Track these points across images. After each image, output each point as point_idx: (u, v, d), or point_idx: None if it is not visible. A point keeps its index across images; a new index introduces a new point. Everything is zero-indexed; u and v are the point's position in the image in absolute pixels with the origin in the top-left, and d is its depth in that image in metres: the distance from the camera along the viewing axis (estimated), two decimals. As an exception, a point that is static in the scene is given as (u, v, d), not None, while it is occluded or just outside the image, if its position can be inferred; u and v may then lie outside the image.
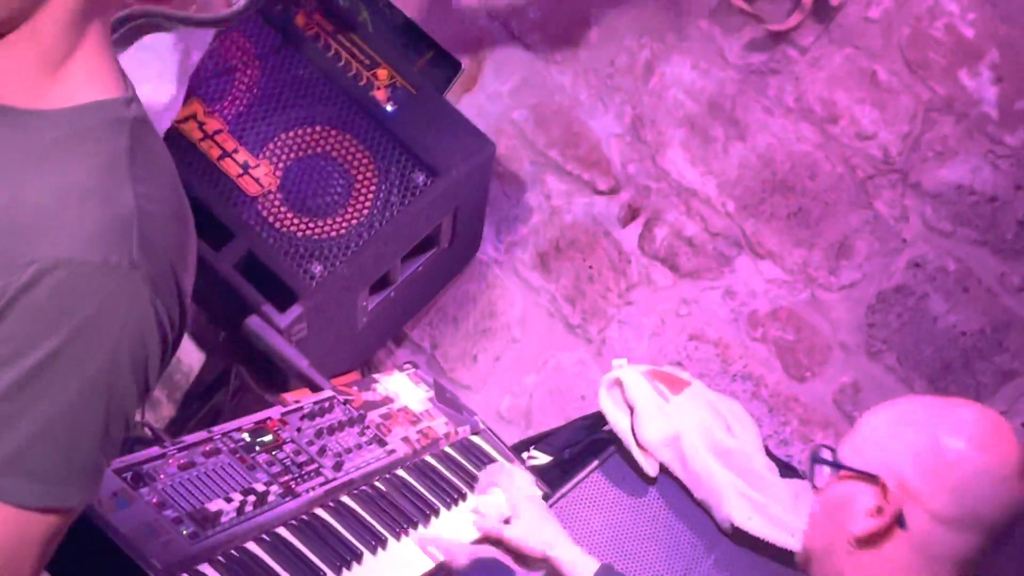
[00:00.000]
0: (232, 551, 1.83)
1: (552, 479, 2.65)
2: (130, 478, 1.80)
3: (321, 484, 2.09)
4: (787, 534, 2.62)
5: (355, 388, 2.44)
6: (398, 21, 3.12)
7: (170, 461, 1.89)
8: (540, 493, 2.42)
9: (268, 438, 2.10)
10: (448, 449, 2.45)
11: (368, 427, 2.33)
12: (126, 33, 2.07)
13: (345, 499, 2.12)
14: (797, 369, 3.23)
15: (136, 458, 1.85)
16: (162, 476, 1.85)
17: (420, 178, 2.87)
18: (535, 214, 3.41)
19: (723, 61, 3.22)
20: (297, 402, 2.29)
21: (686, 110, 3.26)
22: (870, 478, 1.70)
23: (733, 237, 3.26)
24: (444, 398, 2.60)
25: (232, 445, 2.03)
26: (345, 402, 2.36)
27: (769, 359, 3.25)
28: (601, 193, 3.37)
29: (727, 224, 3.26)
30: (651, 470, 2.73)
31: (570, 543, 2.14)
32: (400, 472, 2.29)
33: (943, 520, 1.64)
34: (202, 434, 2.02)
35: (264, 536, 1.91)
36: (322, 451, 2.16)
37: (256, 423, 2.14)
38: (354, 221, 2.83)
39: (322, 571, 1.90)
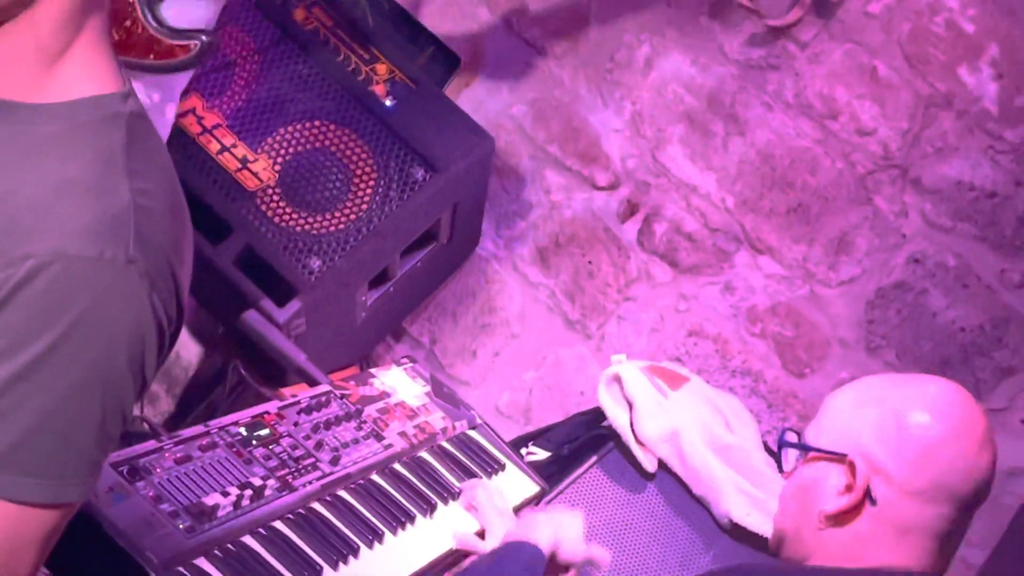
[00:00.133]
0: (229, 545, 1.83)
1: (551, 475, 2.65)
2: (126, 472, 1.80)
3: (318, 478, 2.09)
4: (785, 530, 2.61)
5: (352, 383, 2.44)
6: (397, 16, 3.11)
7: (166, 455, 1.89)
8: (527, 493, 2.43)
9: (265, 432, 2.10)
10: (445, 444, 2.45)
11: (365, 422, 2.32)
12: None
13: (342, 493, 2.11)
14: (796, 365, 3.23)
15: (132, 452, 1.85)
16: (158, 470, 1.85)
17: (419, 173, 2.87)
18: (534, 209, 3.41)
19: (723, 56, 3.21)
20: (294, 396, 2.29)
21: (685, 106, 3.26)
22: (838, 457, 1.70)
23: (732, 233, 3.25)
24: (441, 393, 2.59)
25: (229, 439, 2.02)
26: (342, 397, 2.36)
27: (768, 355, 3.25)
28: (600, 188, 3.36)
29: (726, 220, 3.25)
30: (650, 466, 2.73)
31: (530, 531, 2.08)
32: (397, 467, 2.29)
33: (911, 493, 1.65)
34: (199, 428, 2.01)
35: (261, 530, 1.91)
36: (319, 445, 2.16)
37: (253, 417, 2.13)
38: (353, 216, 2.82)
39: (319, 565, 1.90)
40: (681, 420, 2.73)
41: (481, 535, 2.19)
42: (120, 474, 1.79)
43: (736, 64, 3.20)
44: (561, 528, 2.05)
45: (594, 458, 2.72)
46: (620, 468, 2.73)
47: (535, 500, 2.48)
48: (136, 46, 2.24)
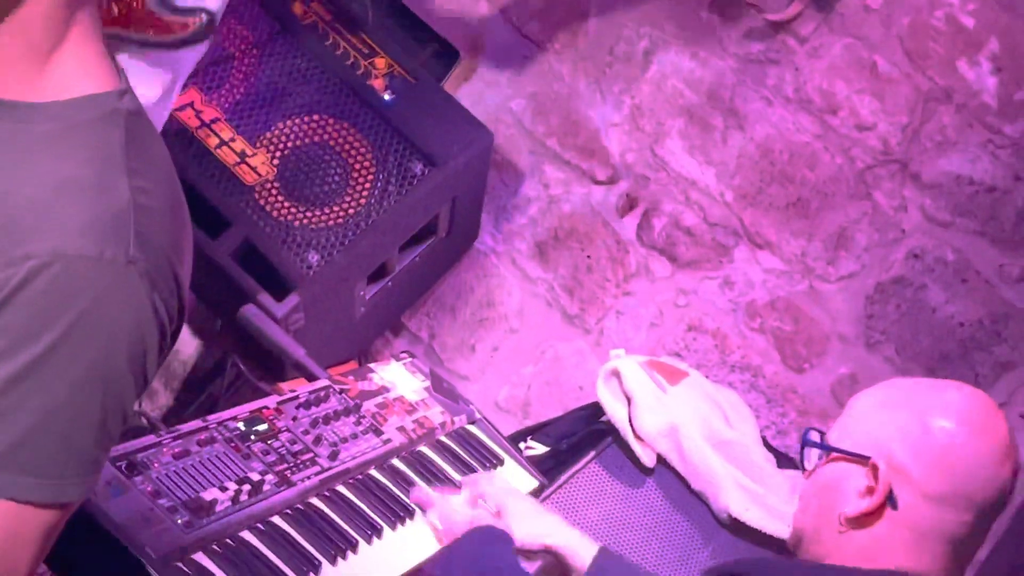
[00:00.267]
0: (227, 540, 1.83)
1: (549, 470, 2.64)
2: (124, 467, 1.80)
3: (316, 473, 2.08)
4: (785, 525, 2.61)
5: (351, 377, 2.44)
6: (396, 10, 3.11)
7: (164, 450, 1.89)
8: (526, 488, 2.42)
9: (263, 427, 2.10)
10: (444, 439, 2.45)
11: (364, 416, 2.32)
12: None
13: (341, 488, 2.11)
14: (795, 360, 3.23)
15: (130, 447, 1.84)
16: (156, 465, 1.85)
17: (418, 167, 2.87)
18: (533, 204, 3.41)
19: (722, 51, 3.21)
20: (293, 391, 2.28)
21: (685, 100, 3.25)
22: (860, 459, 1.72)
23: (731, 227, 3.25)
24: (440, 388, 2.59)
25: (227, 434, 2.02)
26: (341, 392, 2.36)
27: (767, 350, 3.25)
28: (599, 183, 3.36)
29: (725, 214, 3.25)
30: (648, 461, 2.72)
31: (566, 528, 2.12)
32: (396, 462, 2.28)
33: (933, 498, 1.66)
34: (197, 423, 2.01)
35: (259, 525, 1.90)
36: (318, 440, 2.16)
37: (251, 412, 2.13)
38: (351, 210, 2.82)
39: (318, 560, 1.90)
40: (680, 415, 2.73)
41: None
42: (118, 469, 1.78)
43: (735, 58, 3.20)
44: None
45: (593, 453, 2.72)
46: (619, 463, 2.73)
47: (534, 495, 2.48)
48: (136, 21, 2.24)
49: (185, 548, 1.75)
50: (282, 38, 2.92)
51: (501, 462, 2.50)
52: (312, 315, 2.78)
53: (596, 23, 3.33)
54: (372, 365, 2.56)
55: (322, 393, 2.31)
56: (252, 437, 2.06)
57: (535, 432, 2.91)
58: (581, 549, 2.06)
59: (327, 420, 2.23)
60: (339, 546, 1.95)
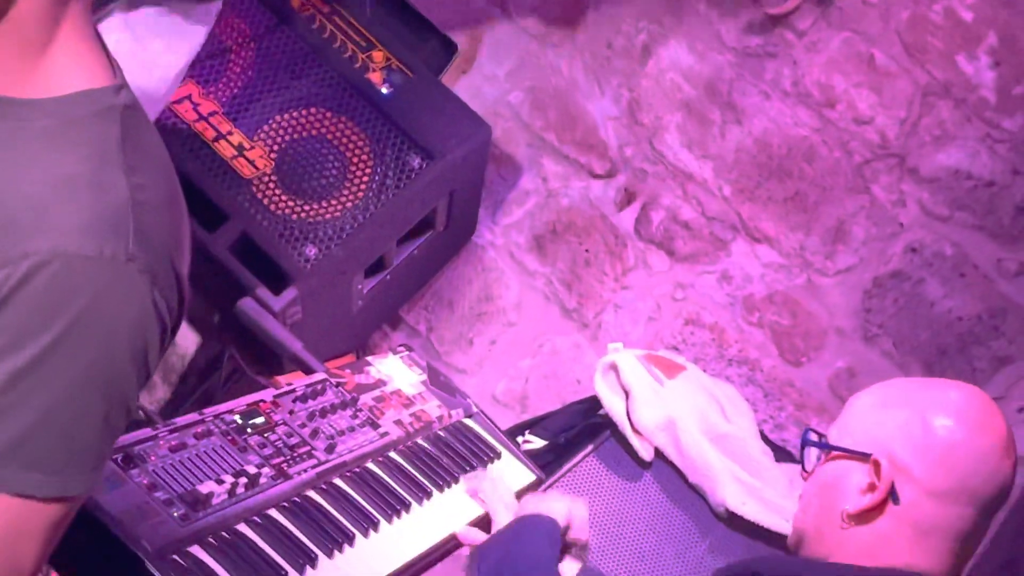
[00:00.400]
0: (223, 533, 1.82)
1: (547, 463, 2.64)
2: (120, 460, 1.80)
3: (313, 466, 2.08)
4: (782, 519, 2.61)
5: (348, 371, 2.44)
6: (394, 3, 3.10)
7: (161, 443, 1.89)
8: (523, 481, 2.42)
9: (260, 420, 2.10)
10: (441, 432, 2.45)
11: (361, 410, 2.32)
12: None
13: (337, 481, 2.11)
14: (793, 354, 3.23)
15: (127, 440, 1.84)
16: (153, 458, 1.85)
17: (416, 161, 2.87)
18: (531, 197, 3.41)
19: (720, 44, 3.21)
20: (290, 384, 2.28)
21: (683, 93, 3.25)
22: (862, 456, 1.72)
23: (729, 221, 3.25)
24: (437, 381, 2.59)
25: (224, 427, 2.02)
26: (338, 385, 2.36)
27: (765, 344, 3.25)
28: (598, 176, 3.36)
29: (723, 208, 3.25)
30: (646, 454, 2.72)
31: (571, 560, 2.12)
32: (393, 455, 2.28)
33: (935, 494, 1.67)
34: (193, 416, 2.01)
35: (256, 518, 1.90)
36: (314, 433, 2.16)
37: (248, 405, 2.13)
38: (349, 204, 2.82)
39: (314, 553, 1.90)
40: (677, 409, 2.73)
41: (483, 526, 2.19)
42: (114, 462, 1.78)
43: (734, 52, 3.19)
44: (574, 506, 2.08)
45: (590, 446, 2.72)
46: (616, 457, 2.73)
47: (531, 489, 2.48)
48: None
49: (181, 541, 1.75)
50: (280, 31, 2.92)
51: (498, 456, 2.50)
52: (310, 308, 2.78)
53: (594, 17, 3.32)
54: (369, 358, 2.56)
55: (319, 386, 2.31)
56: (249, 430, 2.05)
57: (533, 426, 2.91)
58: (562, 567, 2.05)
59: (324, 413, 2.23)
60: (336, 539, 1.95)
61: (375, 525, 2.05)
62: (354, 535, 1.99)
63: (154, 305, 1.27)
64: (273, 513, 1.94)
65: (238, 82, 2.88)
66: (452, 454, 2.40)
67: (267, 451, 2.04)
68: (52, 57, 1.28)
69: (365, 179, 2.84)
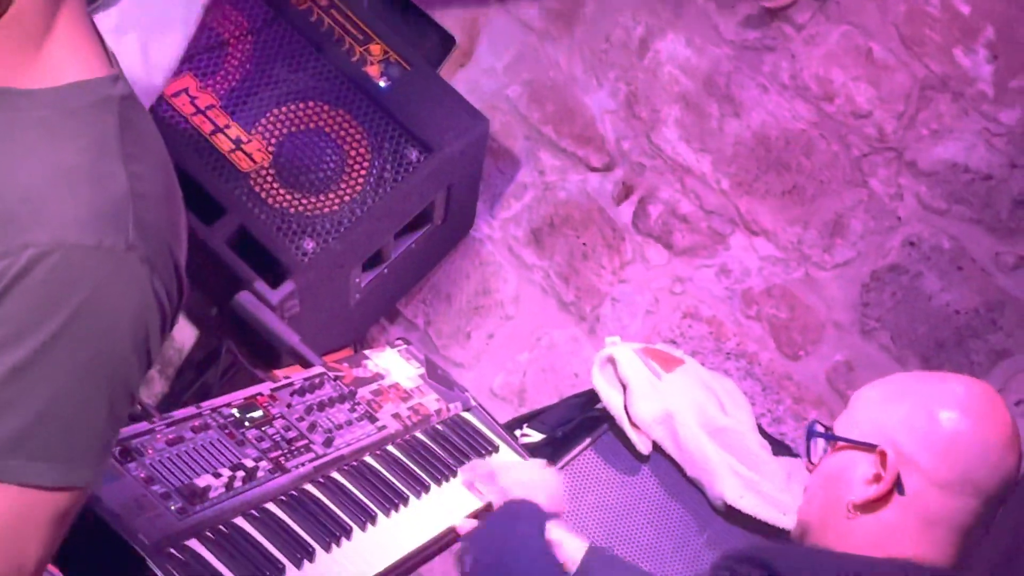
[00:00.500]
0: (221, 527, 1.83)
1: (544, 457, 2.64)
2: (118, 453, 1.80)
3: (311, 460, 2.08)
4: (779, 512, 2.62)
5: (346, 364, 2.44)
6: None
7: (158, 436, 1.89)
8: (523, 463, 2.43)
9: (258, 414, 2.10)
10: (439, 426, 2.45)
11: (359, 403, 2.32)
12: None
13: (335, 475, 2.11)
14: (791, 347, 3.23)
15: (124, 433, 1.84)
16: (150, 451, 1.85)
17: (413, 154, 2.87)
18: (529, 191, 3.40)
19: (718, 37, 3.20)
20: (287, 378, 2.28)
21: (681, 87, 3.25)
22: (867, 447, 1.73)
23: (727, 215, 3.25)
24: (435, 375, 2.59)
25: (221, 420, 2.02)
26: (336, 378, 2.36)
27: (763, 337, 3.25)
28: (595, 170, 3.36)
29: (721, 202, 3.25)
30: (644, 448, 2.73)
31: (558, 524, 2.14)
32: (390, 448, 2.28)
33: (939, 485, 1.68)
34: (191, 409, 2.01)
35: (253, 512, 1.90)
36: (312, 427, 2.16)
37: (246, 399, 2.13)
38: (347, 197, 2.82)
39: (312, 547, 1.90)
40: (675, 402, 2.73)
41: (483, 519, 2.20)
42: (111, 455, 1.78)
43: (732, 45, 3.19)
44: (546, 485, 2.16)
45: (588, 440, 2.72)
46: (614, 450, 2.73)
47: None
48: None
49: (179, 535, 1.75)
50: (277, 24, 2.91)
51: (496, 449, 2.50)
52: (307, 302, 2.78)
53: (592, 10, 3.32)
54: (367, 352, 2.56)
55: (317, 380, 2.31)
56: (246, 424, 2.06)
57: (531, 419, 2.91)
58: (568, 544, 2.08)
59: (322, 407, 2.23)
60: (333, 532, 1.95)
61: (373, 519, 2.05)
62: (352, 529, 1.99)
63: (155, 294, 1.28)
64: (271, 507, 1.94)
65: (235, 75, 2.88)
66: (450, 448, 2.40)
67: (265, 445, 2.04)
68: (49, 48, 1.28)
69: (363, 172, 2.84)
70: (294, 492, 2.00)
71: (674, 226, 3.29)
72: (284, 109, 2.86)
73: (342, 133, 2.85)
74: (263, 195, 2.79)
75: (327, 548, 1.92)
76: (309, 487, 2.04)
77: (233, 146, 2.81)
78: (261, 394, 2.17)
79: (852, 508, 1.72)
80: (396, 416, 2.36)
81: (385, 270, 3.06)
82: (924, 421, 1.70)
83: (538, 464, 2.39)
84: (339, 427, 2.21)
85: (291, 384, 2.25)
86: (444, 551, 2.17)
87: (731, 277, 3.26)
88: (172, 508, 1.77)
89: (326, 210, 2.80)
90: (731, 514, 2.67)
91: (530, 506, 2.04)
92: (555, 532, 2.10)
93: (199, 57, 2.86)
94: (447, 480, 2.29)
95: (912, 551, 1.69)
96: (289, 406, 2.18)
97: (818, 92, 3.13)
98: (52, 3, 1.27)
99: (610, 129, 3.33)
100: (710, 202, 3.26)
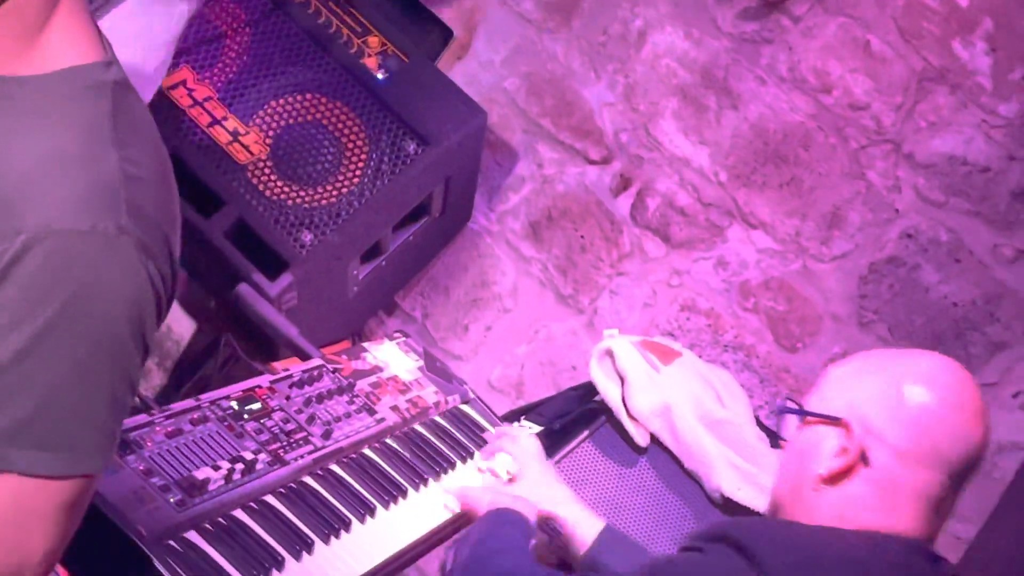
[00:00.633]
0: (220, 519, 1.83)
1: (543, 449, 2.64)
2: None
3: (310, 452, 2.08)
4: (777, 504, 2.62)
5: (344, 357, 2.44)
6: (390, -12, 3.10)
7: (157, 429, 1.89)
8: (544, 455, 2.43)
9: (256, 406, 2.10)
10: (438, 418, 2.45)
11: (357, 396, 2.32)
12: None
13: (334, 467, 2.11)
14: (789, 339, 3.23)
15: (123, 425, 1.84)
16: (149, 444, 1.85)
17: (411, 147, 2.86)
18: (527, 183, 3.40)
19: (716, 30, 3.20)
20: (286, 370, 2.28)
21: (679, 79, 3.25)
22: (834, 421, 1.75)
23: (725, 207, 3.25)
24: (434, 367, 2.59)
25: (220, 413, 2.02)
26: (334, 371, 2.36)
27: (761, 329, 3.25)
28: (593, 163, 3.35)
29: (719, 194, 3.25)
30: (641, 440, 2.72)
31: (576, 503, 2.20)
32: (389, 441, 2.28)
33: (905, 456, 1.69)
34: (190, 402, 2.01)
35: (252, 504, 1.91)
36: (311, 419, 2.16)
37: (244, 391, 2.13)
38: (345, 190, 2.81)
39: (310, 539, 1.90)
40: (673, 395, 2.73)
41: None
42: (112, 446, 1.78)
43: (730, 37, 3.19)
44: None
45: (586, 432, 2.72)
46: (612, 442, 2.73)
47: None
48: None
49: (178, 527, 1.75)
50: (274, 16, 2.91)
51: (494, 442, 2.50)
52: (305, 294, 2.78)
53: (590, 3, 3.32)
54: (365, 344, 2.56)
55: (315, 372, 2.31)
56: (245, 416, 2.06)
57: (528, 412, 2.91)
58: (585, 524, 2.13)
59: (320, 399, 2.23)
60: (332, 525, 1.96)
61: (371, 511, 2.06)
62: (350, 521, 2.00)
63: (149, 279, 1.27)
64: (269, 499, 1.94)
65: (233, 67, 2.87)
66: (449, 440, 2.40)
67: (263, 437, 2.04)
68: (47, 35, 1.28)
69: (361, 165, 2.84)
70: (293, 484, 2.01)
71: (672, 218, 3.29)
72: (282, 101, 2.85)
73: (340, 125, 2.85)
74: (261, 187, 2.79)
75: (326, 540, 1.92)
76: (308, 479, 2.04)
77: (231, 138, 2.80)
78: (260, 386, 2.17)
79: (819, 481, 1.74)
80: (394, 408, 2.36)
81: (383, 262, 3.06)
82: (891, 395, 1.72)
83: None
84: (338, 419, 2.21)
85: (290, 376, 2.26)
86: (442, 544, 2.18)
87: (729, 269, 3.27)
88: (171, 500, 1.78)
89: (324, 202, 2.80)
90: (729, 506, 2.67)
91: (515, 514, 2.05)
92: (573, 512, 2.12)
93: (197, 49, 2.86)
94: (446, 473, 2.29)
95: (879, 523, 1.70)
96: (288, 398, 2.18)
97: (816, 84, 3.13)
98: None
99: (608, 122, 3.33)
100: (708, 194, 3.26)
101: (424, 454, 2.30)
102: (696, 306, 3.30)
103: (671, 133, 3.27)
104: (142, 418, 1.89)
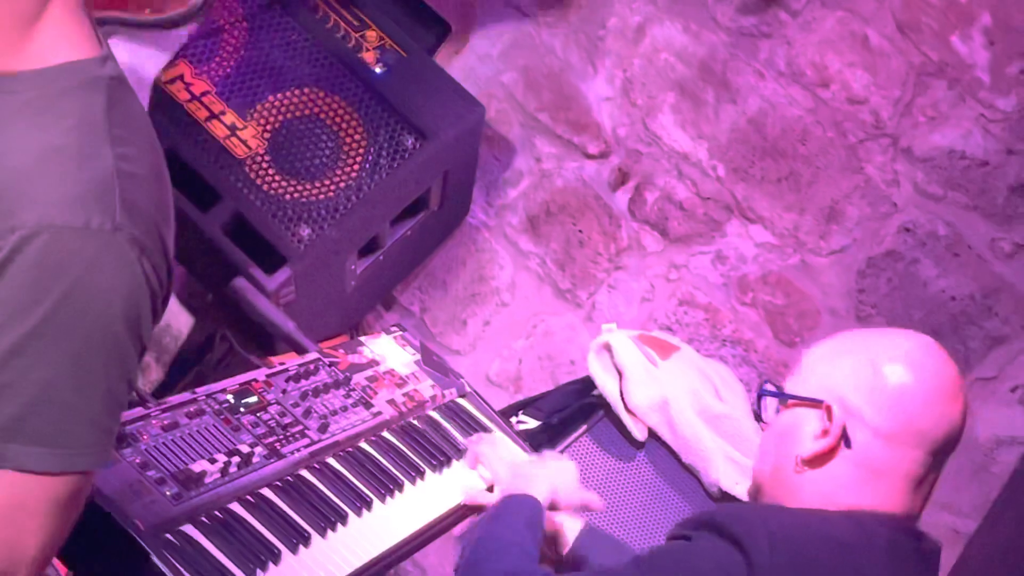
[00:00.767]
0: (216, 512, 1.83)
1: (541, 444, 2.65)
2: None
3: (306, 446, 2.08)
4: (775, 498, 2.62)
5: (341, 351, 2.44)
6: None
7: (153, 422, 1.89)
8: (525, 457, 2.42)
9: (253, 400, 2.10)
10: (434, 413, 2.45)
11: (354, 389, 2.32)
12: None
13: (330, 461, 2.11)
14: (787, 334, 3.23)
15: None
16: (145, 437, 1.85)
17: (409, 141, 2.86)
18: (525, 178, 3.40)
19: (714, 24, 3.20)
20: (283, 364, 2.28)
21: (677, 73, 3.24)
22: (815, 403, 1.76)
23: (723, 201, 3.25)
24: (430, 361, 2.59)
25: (216, 406, 2.02)
26: (331, 364, 2.35)
27: (759, 324, 3.25)
28: (591, 157, 3.35)
29: (717, 188, 3.24)
30: (639, 434, 2.73)
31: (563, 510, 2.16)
32: (385, 434, 2.28)
33: (885, 436, 1.70)
34: (186, 395, 2.01)
35: (248, 497, 1.90)
36: (307, 413, 2.16)
37: (241, 385, 2.13)
38: (342, 184, 2.81)
39: (307, 532, 1.90)
40: (671, 389, 2.73)
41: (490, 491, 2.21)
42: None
43: (728, 32, 3.19)
44: (556, 477, 2.13)
45: (584, 427, 2.72)
46: (610, 437, 2.73)
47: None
48: (131, 1, 2.24)
49: (174, 520, 1.75)
50: (272, 10, 2.91)
51: (492, 437, 2.50)
52: (303, 289, 2.78)
53: (588, -4, 3.32)
54: (362, 338, 2.56)
55: (311, 366, 2.31)
56: (242, 409, 2.06)
57: (526, 406, 2.91)
58: (567, 523, 2.13)
59: (317, 393, 2.23)
60: (329, 518, 1.96)
61: (368, 504, 2.05)
62: (347, 514, 1.99)
63: (144, 274, 1.27)
64: (266, 492, 1.94)
65: (231, 62, 2.87)
66: (445, 434, 2.40)
67: (260, 430, 2.04)
68: (41, 30, 1.28)
69: (358, 159, 2.83)
70: (289, 478, 2.00)
71: (670, 213, 3.29)
72: (280, 96, 2.85)
73: (338, 120, 2.85)
74: (258, 182, 2.78)
75: (322, 533, 1.92)
76: (304, 473, 2.04)
77: (228, 133, 2.80)
78: (256, 380, 2.17)
79: (800, 463, 1.75)
80: (391, 402, 2.36)
81: (381, 257, 3.05)
82: (869, 375, 1.72)
83: (552, 456, 2.37)
84: (334, 413, 2.21)
85: (286, 370, 2.25)
86: (439, 537, 2.17)
87: (727, 264, 3.26)
88: (167, 493, 1.77)
89: (322, 197, 2.80)
90: (726, 500, 2.67)
91: (522, 499, 2.04)
92: (557, 516, 2.12)
93: (194, 44, 2.85)
94: (443, 466, 2.29)
95: (862, 502, 1.71)
96: (284, 392, 2.18)
97: (814, 78, 3.13)
98: None
99: (606, 116, 3.32)
100: (706, 189, 3.25)
101: (420, 448, 2.30)
102: (694, 300, 3.30)
103: (669, 127, 3.27)
104: (138, 411, 1.89)
